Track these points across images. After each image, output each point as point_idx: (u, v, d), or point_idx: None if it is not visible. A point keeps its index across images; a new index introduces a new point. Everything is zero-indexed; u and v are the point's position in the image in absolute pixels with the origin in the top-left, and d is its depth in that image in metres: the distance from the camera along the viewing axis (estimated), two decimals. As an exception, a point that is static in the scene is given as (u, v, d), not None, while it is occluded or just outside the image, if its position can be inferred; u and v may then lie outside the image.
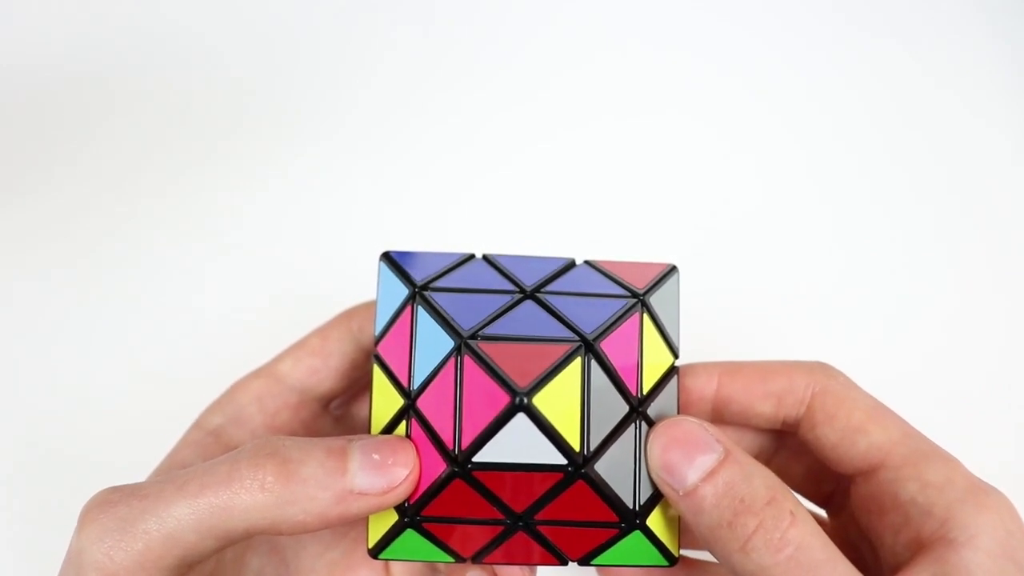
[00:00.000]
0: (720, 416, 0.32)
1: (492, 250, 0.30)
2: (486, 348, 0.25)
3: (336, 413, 0.34)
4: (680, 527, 0.28)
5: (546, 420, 0.24)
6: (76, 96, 0.53)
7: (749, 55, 0.55)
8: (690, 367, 0.31)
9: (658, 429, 0.26)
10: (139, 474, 0.30)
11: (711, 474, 0.26)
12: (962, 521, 0.26)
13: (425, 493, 0.26)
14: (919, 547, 0.27)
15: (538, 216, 0.49)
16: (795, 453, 0.33)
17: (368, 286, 0.31)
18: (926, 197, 0.50)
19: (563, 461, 0.25)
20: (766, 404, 0.31)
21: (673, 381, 0.29)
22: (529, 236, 0.48)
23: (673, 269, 0.29)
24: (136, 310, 0.47)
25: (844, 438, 0.29)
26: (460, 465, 0.25)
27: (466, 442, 0.25)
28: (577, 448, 0.25)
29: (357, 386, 0.34)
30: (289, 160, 0.51)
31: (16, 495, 0.42)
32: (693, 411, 0.31)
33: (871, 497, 0.29)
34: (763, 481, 0.26)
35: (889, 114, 0.53)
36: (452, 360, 0.25)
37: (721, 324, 0.44)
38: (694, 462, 0.26)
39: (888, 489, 0.28)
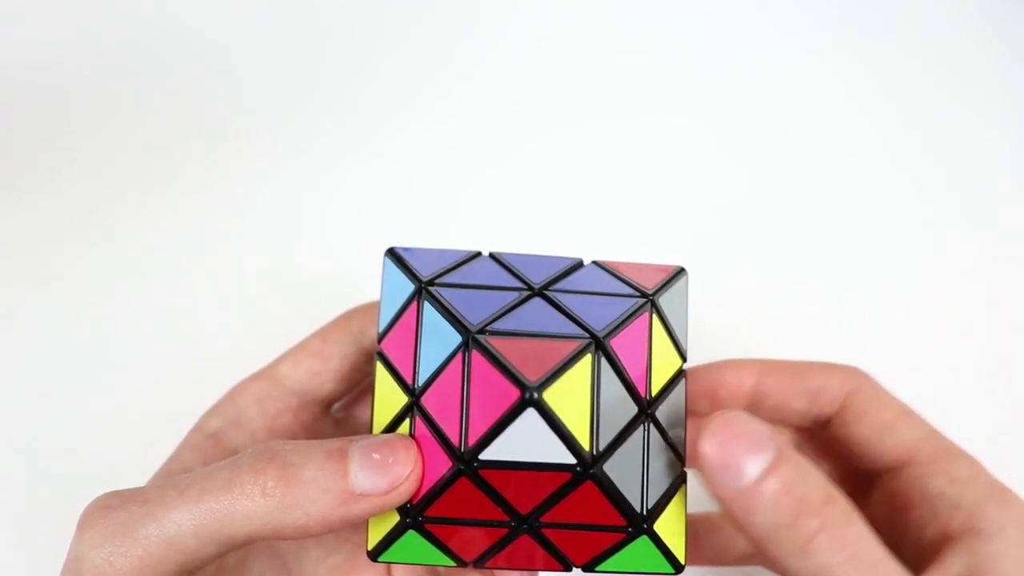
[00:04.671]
0: (756, 411, 0.33)
1: (497, 248, 0.30)
2: (495, 343, 0.24)
3: (338, 416, 0.34)
4: (687, 534, 0.28)
5: (556, 416, 0.23)
6: (78, 95, 0.53)
7: (754, 58, 0.55)
8: (731, 362, 0.33)
9: (713, 424, 0.26)
10: (139, 478, 0.30)
11: (768, 473, 0.25)
12: (989, 514, 0.27)
13: (429, 492, 0.25)
14: (947, 540, 0.27)
15: (543, 214, 0.49)
16: (818, 453, 0.34)
17: (369, 288, 0.30)
18: (931, 199, 0.50)
19: (572, 460, 0.24)
20: (801, 400, 0.32)
21: (681, 384, 0.28)
22: (534, 234, 0.48)
23: (682, 271, 0.29)
24: (135, 312, 0.46)
25: (874, 435, 0.31)
26: (466, 463, 0.24)
27: (473, 439, 0.24)
28: (587, 447, 0.24)
29: (358, 388, 0.34)
30: (289, 160, 0.51)
31: (14, 499, 0.41)
32: (731, 405, 0.33)
33: (898, 493, 0.30)
34: (818, 480, 0.26)
35: (890, 115, 0.53)
36: (459, 355, 0.25)
37: (723, 324, 0.44)
38: (750, 461, 0.25)
39: (916, 484, 0.29)
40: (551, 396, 0.23)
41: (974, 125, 0.52)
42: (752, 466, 0.25)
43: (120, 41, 0.55)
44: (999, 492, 0.28)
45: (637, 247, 0.48)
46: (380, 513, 0.26)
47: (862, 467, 0.32)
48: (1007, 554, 0.26)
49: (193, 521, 0.24)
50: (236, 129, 0.52)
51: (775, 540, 0.25)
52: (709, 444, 0.25)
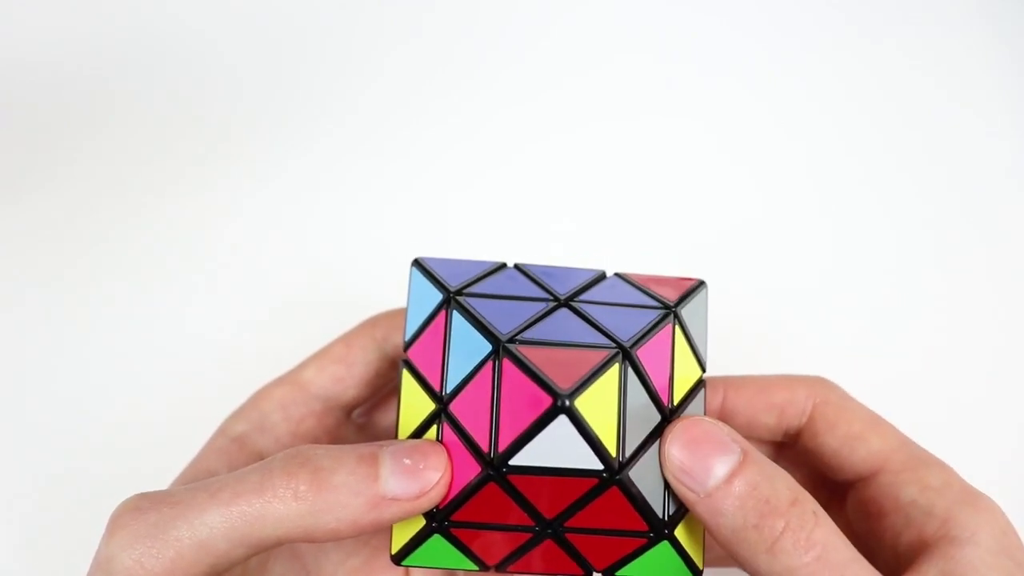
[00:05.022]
0: None
1: (513, 255, 0.30)
2: (525, 352, 0.25)
3: (359, 421, 0.34)
4: (705, 538, 0.28)
5: (586, 423, 0.24)
6: (78, 95, 0.53)
7: (754, 59, 0.55)
8: None
9: (675, 430, 0.26)
10: (162, 480, 0.30)
11: (733, 475, 0.26)
12: (962, 521, 0.27)
13: (456, 497, 0.26)
14: (922, 546, 0.28)
15: (557, 219, 0.50)
16: (791, 465, 0.34)
17: (393, 293, 0.31)
18: (931, 199, 0.51)
19: (599, 466, 0.25)
20: (769, 415, 0.32)
21: (700, 394, 0.29)
22: (548, 238, 0.48)
23: (702, 284, 0.30)
24: (158, 315, 0.46)
25: (845, 445, 0.31)
26: (496, 468, 0.25)
27: (503, 445, 0.25)
28: (614, 453, 0.25)
29: (380, 394, 0.34)
30: (313, 164, 0.51)
31: (39, 502, 0.41)
32: None
33: (871, 501, 0.30)
34: (784, 482, 0.26)
35: (890, 115, 0.53)
36: (490, 363, 0.25)
37: (737, 332, 0.45)
38: (715, 463, 0.26)
39: (889, 492, 0.30)
40: (582, 404, 0.24)
41: (974, 125, 0.53)
42: (718, 468, 0.26)
43: (120, 41, 0.55)
44: (972, 498, 0.28)
45: (639, 248, 0.48)
46: (409, 518, 0.26)
47: (834, 477, 0.32)
48: (981, 559, 0.26)
49: (224, 523, 0.25)
50: (239, 129, 0.52)
51: (743, 541, 0.25)
52: (675, 447, 0.26)
